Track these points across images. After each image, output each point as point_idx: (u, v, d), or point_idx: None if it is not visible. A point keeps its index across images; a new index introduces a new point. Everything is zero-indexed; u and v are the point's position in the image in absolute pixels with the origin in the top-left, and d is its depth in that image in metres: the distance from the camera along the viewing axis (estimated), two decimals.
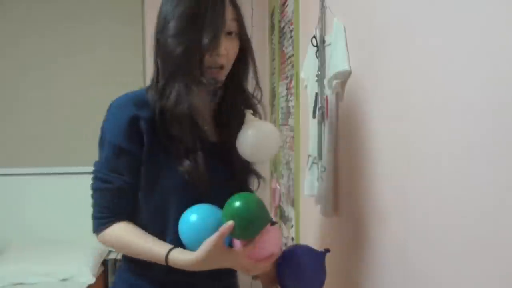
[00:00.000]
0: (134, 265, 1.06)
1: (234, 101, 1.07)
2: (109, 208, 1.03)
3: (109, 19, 3.24)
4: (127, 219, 1.02)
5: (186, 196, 0.98)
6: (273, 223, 0.94)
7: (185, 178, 0.97)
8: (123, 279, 1.11)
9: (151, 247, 0.97)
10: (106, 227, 1.03)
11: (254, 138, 0.95)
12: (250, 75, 1.09)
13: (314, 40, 1.34)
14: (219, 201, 0.95)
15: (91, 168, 1.09)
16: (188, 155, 0.98)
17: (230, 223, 0.87)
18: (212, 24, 0.94)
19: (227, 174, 1.06)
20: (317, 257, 1.06)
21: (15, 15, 3.20)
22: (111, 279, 3.10)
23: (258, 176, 1.13)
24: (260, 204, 0.93)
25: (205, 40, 0.93)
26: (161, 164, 0.99)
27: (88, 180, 1.09)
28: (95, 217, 1.07)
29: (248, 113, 0.99)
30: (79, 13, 3.22)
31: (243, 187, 1.08)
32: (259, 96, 1.11)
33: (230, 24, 0.99)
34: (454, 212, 0.65)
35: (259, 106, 1.11)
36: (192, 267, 0.91)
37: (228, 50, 0.99)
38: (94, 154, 1.08)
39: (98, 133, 1.09)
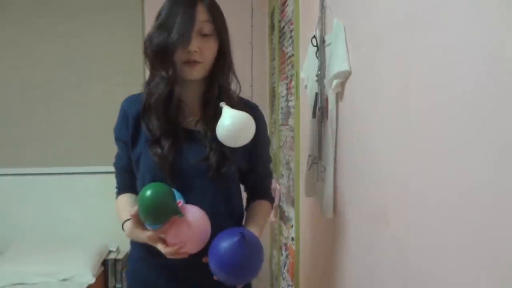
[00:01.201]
0: (134, 245, 1.28)
1: (210, 94, 1.20)
2: (118, 183, 1.30)
3: (109, 19, 3.24)
4: (129, 192, 1.25)
5: (157, 175, 1.15)
6: (180, 215, 1.02)
7: (155, 161, 1.15)
8: (130, 258, 1.32)
9: (122, 215, 1.19)
10: (116, 198, 1.29)
11: (232, 127, 1.06)
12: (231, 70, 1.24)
13: (314, 40, 1.35)
14: (190, 181, 1.16)
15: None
16: (160, 142, 1.16)
17: (135, 208, 1.04)
18: (181, 24, 1.10)
19: (199, 159, 1.18)
20: (232, 245, 1.04)
21: (16, 16, 3.20)
22: (111, 279, 3.10)
23: (229, 161, 1.19)
24: (163, 197, 1.01)
25: (174, 37, 1.10)
26: (141, 149, 1.19)
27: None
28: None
29: (223, 105, 1.09)
30: (79, 13, 3.22)
31: (217, 173, 1.17)
32: (237, 90, 1.26)
33: (202, 25, 1.13)
34: (454, 211, 0.65)
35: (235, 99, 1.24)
36: (127, 234, 1.14)
37: (201, 48, 1.14)
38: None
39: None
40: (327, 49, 1.29)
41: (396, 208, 0.88)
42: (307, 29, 1.68)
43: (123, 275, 3.12)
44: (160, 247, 1.05)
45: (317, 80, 1.32)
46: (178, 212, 1.02)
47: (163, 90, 1.14)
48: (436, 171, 0.70)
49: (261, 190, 1.36)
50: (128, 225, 1.13)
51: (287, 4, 2.17)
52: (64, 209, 3.18)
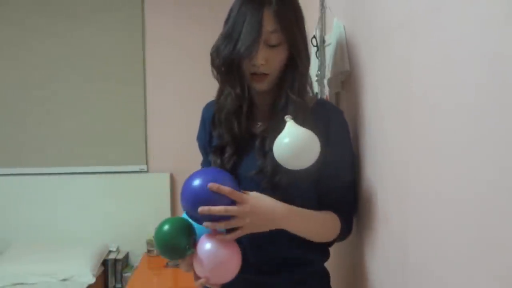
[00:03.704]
0: None
1: (277, 104, 1.08)
2: None
3: (109, 19, 3.24)
4: None
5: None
6: (189, 252, 0.97)
7: None
8: None
9: None
10: None
11: (290, 146, 0.93)
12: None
13: (314, 40, 1.35)
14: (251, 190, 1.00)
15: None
16: (224, 150, 1.09)
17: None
18: (247, 35, 1.01)
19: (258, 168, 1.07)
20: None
21: (15, 16, 3.19)
22: (111, 279, 3.10)
23: (286, 170, 1.01)
24: (171, 238, 0.97)
25: (240, 48, 1.01)
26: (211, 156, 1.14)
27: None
28: None
29: (288, 119, 0.97)
30: (79, 13, 3.22)
31: (271, 182, 1.03)
32: (310, 102, 1.09)
33: (270, 36, 1.02)
34: (454, 211, 0.65)
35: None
36: None
37: (268, 59, 1.03)
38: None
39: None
40: (327, 49, 1.29)
41: (396, 208, 0.89)
42: (307, 29, 1.68)
43: (123, 275, 3.12)
44: (193, 276, 1.00)
45: (317, 80, 1.33)
46: (187, 250, 0.97)
47: (232, 107, 1.07)
48: (436, 171, 0.71)
49: (331, 207, 1.07)
50: None
51: None
52: (64, 209, 3.18)
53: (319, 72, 1.31)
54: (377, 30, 0.97)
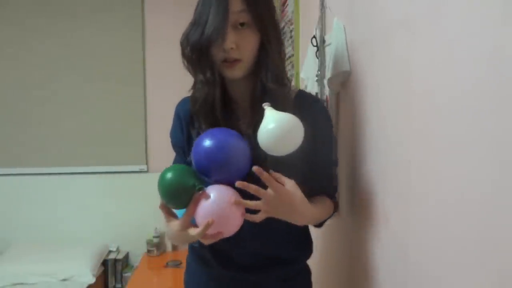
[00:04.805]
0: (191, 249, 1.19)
1: (255, 94, 1.04)
2: None
3: (109, 19, 3.24)
4: None
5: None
6: (198, 187, 0.91)
7: None
8: (189, 258, 1.22)
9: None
10: None
11: (275, 132, 0.91)
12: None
13: (314, 40, 1.35)
14: (244, 192, 0.94)
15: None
16: None
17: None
18: (214, 17, 0.97)
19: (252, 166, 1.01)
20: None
21: (15, 15, 3.19)
22: (111, 279, 3.10)
23: (288, 170, 0.99)
24: (177, 175, 0.93)
25: (207, 33, 0.97)
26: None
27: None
28: None
29: (266, 106, 0.95)
30: (79, 13, 3.22)
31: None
32: (286, 88, 1.06)
33: (238, 15, 0.98)
34: (455, 211, 0.65)
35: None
36: (168, 236, 1.05)
37: (238, 43, 0.99)
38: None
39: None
40: (327, 49, 1.29)
41: (396, 208, 0.89)
42: (307, 29, 1.68)
43: (123, 275, 3.12)
44: (191, 231, 0.94)
45: (317, 80, 1.32)
46: (195, 185, 0.91)
47: (206, 95, 1.02)
48: (437, 170, 0.71)
49: (320, 191, 1.10)
50: (168, 225, 1.01)
51: (287, 4, 2.17)
52: (64, 209, 3.18)
53: (319, 72, 1.30)
54: (377, 30, 0.97)
